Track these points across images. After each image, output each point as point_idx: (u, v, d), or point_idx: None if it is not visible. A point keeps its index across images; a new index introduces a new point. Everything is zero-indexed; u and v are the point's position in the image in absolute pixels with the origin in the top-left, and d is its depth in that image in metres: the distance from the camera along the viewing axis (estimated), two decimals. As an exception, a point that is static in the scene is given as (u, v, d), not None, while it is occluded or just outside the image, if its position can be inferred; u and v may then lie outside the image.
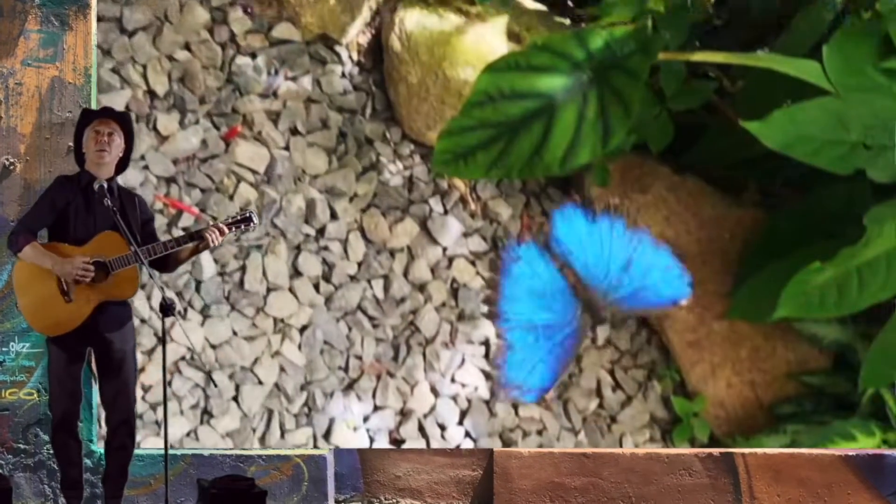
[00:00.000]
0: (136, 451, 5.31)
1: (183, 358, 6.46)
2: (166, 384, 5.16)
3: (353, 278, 6.69)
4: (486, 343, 6.68)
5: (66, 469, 5.25)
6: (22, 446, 5.91)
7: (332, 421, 6.53)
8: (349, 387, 6.59)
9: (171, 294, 5.69)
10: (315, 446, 6.51)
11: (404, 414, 6.60)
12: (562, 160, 6.14)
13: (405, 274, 6.73)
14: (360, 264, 6.70)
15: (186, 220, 6.52)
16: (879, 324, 6.16)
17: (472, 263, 6.78)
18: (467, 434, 6.58)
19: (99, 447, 5.82)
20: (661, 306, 6.36)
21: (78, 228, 5.10)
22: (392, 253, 6.73)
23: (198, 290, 6.50)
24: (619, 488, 5.88)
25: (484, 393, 6.63)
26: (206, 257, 6.51)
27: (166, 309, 4.91)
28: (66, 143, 5.60)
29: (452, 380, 6.64)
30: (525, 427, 6.61)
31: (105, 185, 5.11)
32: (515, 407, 6.62)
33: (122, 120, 5.27)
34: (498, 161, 6.25)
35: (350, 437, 6.52)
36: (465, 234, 6.79)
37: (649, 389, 6.65)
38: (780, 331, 6.45)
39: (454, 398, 6.63)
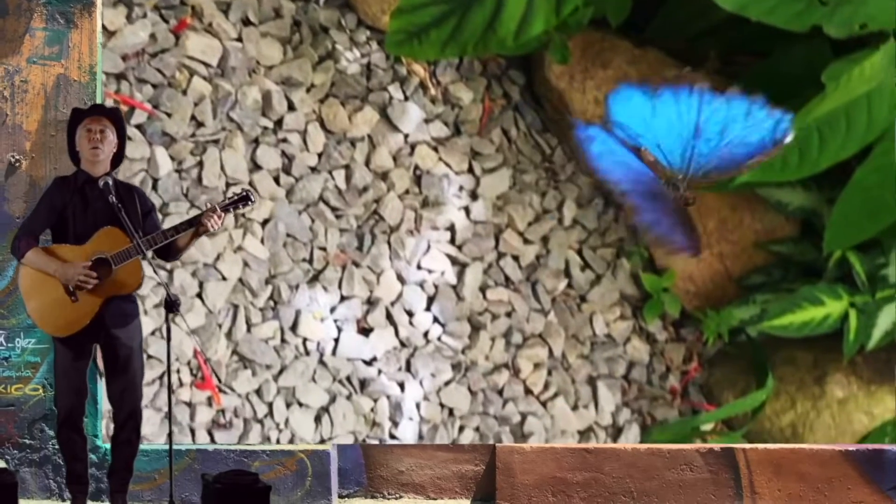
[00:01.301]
0: (141, 447, 5.49)
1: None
2: (171, 378, 5.35)
3: (313, 169, 6.79)
4: (452, 228, 6.80)
5: (72, 464, 5.43)
6: (27, 441, 6.13)
7: (298, 313, 6.65)
8: (314, 278, 6.71)
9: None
10: (282, 340, 6.65)
11: (371, 303, 6.73)
12: (515, 33, 6.20)
13: (367, 163, 6.83)
14: (320, 155, 6.80)
15: (139, 117, 6.61)
16: (843, 187, 6.28)
17: (435, 149, 6.88)
18: (435, 320, 6.73)
19: (104, 443, 6.04)
20: (760, 154, 5.86)
21: (77, 227, 5.26)
22: (353, 142, 6.82)
23: (154, 188, 6.60)
24: (620, 483, 6.08)
25: (450, 278, 6.76)
26: (160, 154, 6.63)
27: (171, 306, 5.13)
28: None
29: (419, 266, 6.76)
30: (493, 310, 6.75)
31: (110, 183, 5.25)
32: (483, 290, 6.76)
33: (113, 116, 5.42)
34: (452, 38, 6.32)
35: (317, 328, 6.66)
36: (427, 120, 6.88)
37: (618, 267, 6.79)
38: (746, 201, 6.57)
39: (421, 285, 6.76)
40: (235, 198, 5.31)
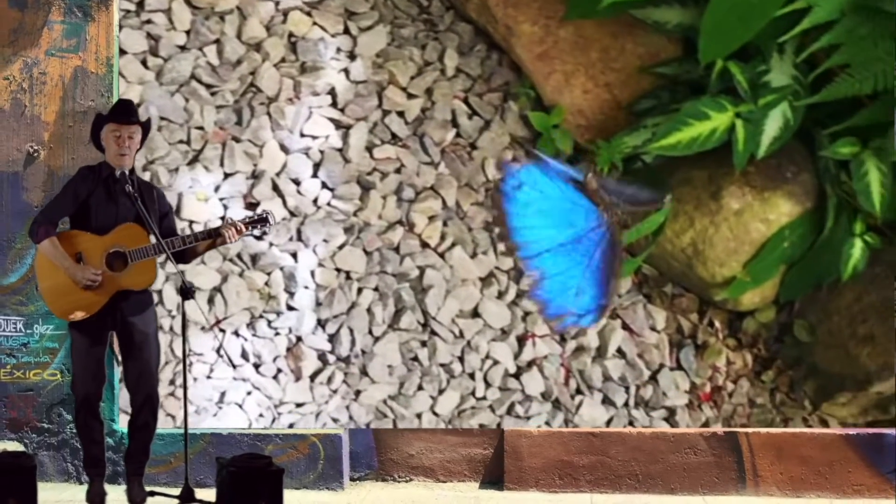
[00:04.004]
0: (157, 431, 5.90)
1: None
2: (186, 366, 5.70)
3: (182, 48, 6.93)
4: (332, 91, 6.95)
5: (89, 447, 5.84)
6: (46, 426, 6.58)
7: (180, 196, 6.82)
8: (194, 159, 6.87)
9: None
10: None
11: (256, 176, 6.89)
12: None
13: (238, 35, 6.95)
14: (188, 32, 6.94)
15: None
16: (717, -2, 6.44)
17: (308, 14, 6.99)
18: (324, 185, 6.92)
19: (121, 426, 6.41)
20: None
21: (100, 217, 5.72)
22: (221, 16, 6.93)
23: (20, 85, 6.80)
24: (626, 466, 6.49)
25: (335, 142, 6.95)
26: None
27: (186, 292, 5.53)
28: (88, 130, 6.09)
29: (301, 134, 6.93)
30: (382, 168, 6.92)
31: (126, 173, 5.71)
32: (370, 150, 6.95)
33: (144, 126, 5.88)
34: None
35: (202, 208, 6.84)
36: (297, -15, 7.04)
37: (506, 111, 6.92)
38: (626, 27, 6.67)
39: (306, 152, 6.93)
40: (256, 217, 5.87)
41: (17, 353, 6.61)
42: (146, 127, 5.92)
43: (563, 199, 6.65)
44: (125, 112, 5.84)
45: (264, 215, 5.89)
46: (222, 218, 6.67)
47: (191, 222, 6.84)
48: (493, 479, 6.65)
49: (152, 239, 5.70)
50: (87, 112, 6.54)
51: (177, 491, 5.70)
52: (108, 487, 5.96)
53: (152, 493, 5.84)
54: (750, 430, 6.52)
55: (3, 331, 6.60)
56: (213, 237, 5.80)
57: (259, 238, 6.04)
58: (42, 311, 6.50)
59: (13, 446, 6.52)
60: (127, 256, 5.68)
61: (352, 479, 6.69)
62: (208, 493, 5.74)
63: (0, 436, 6.62)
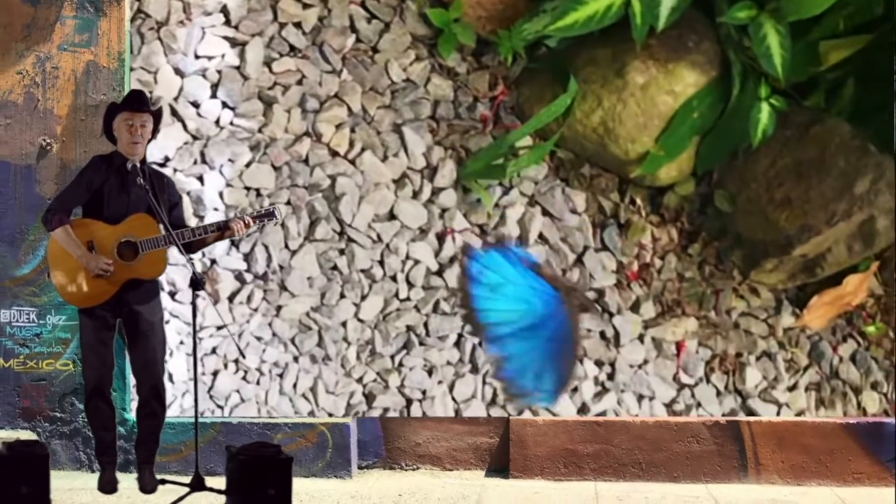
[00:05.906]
0: (168, 420, 6.06)
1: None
2: (196, 356, 5.78)
3: (65, -18, 6.93)
4: (224, 9, 6.91)
5: (100, 434, 5.96)
6: (58, 415, 6.70)
7: (78, 130, 6.81)
8: (88, 91, 6.87)
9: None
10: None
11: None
12: None
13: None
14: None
15: None
16: None
17: (191, -63, 7.02)
18: (224, 105, 6.89)
19: (132, 416, 6.49)
20: None
21: (112, 207, 5.86)
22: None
23: None
24: (629, 455, 6.64)
25: (232, 60, 6.92)
26: None
27: (196, 284, 5.62)
28: (100, 124, 6.23)
29: (196, 56, 6.92)
30: (283, 82, 6.88)
31: (137, 165, 5.81)
32: (268, 64, 6.91)
33: (155, 114, 5.99)
34: None
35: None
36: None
37: (405, 10, 6.87)
38: (516, -88, 6.80)
39: (202, 73, 6.90)
40: (263, 212, 6.01)
41: (30, 343, 6.74)
42: (158, 116, 6.04)
43: (524, 284, 6.80)
44: (138, 101, 5.99)
45: (272, 209, 6.04)
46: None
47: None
48: (499, 467, 6.79)
49: (163, 229, 5.82)
50: (98, 106, 6.68)
51: (187, 479, 5.76)
52: (119, 475, 6.09)
53: (163, 481, 5.90)
54: (752, 419, 6.67)
55: (17, 321, 6.74)
56: (223, 230, 5.95)
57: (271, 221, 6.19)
58: (55, 301, 6.62)
59: (26, 435, 6.64)
60: (138, 246, 5.83)
61: (359, 468, 6.82)
62: (218, 482, 5.81)
63: (13, 425, 6.74)
